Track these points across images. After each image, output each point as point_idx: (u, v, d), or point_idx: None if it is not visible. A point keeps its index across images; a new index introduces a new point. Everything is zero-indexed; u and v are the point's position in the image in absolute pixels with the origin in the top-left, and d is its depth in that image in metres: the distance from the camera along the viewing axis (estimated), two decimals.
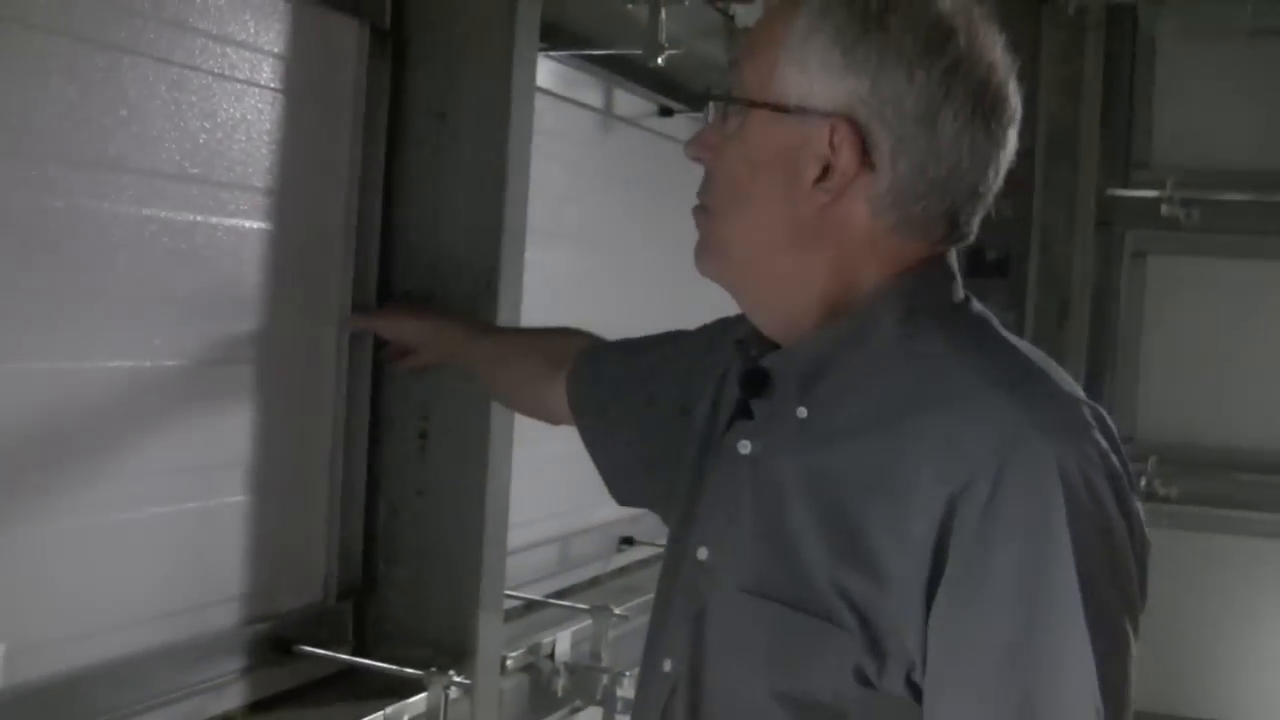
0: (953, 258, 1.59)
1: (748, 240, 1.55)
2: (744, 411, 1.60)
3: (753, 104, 1.52)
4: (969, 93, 1.48)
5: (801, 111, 1.49)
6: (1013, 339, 1.56)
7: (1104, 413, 1.47)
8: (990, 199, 1.56)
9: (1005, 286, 5.80)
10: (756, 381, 1.58)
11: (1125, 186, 6.40)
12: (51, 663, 1.88)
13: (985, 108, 1.50)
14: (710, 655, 1.55)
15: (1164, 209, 6.10)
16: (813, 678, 1.45)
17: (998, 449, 1.38)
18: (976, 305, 1.59)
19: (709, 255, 1.60)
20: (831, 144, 1.48)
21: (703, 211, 1.60)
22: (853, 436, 1.48)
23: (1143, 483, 6.02)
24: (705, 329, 1.93)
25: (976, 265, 5.85)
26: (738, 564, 1.54)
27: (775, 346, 1.60)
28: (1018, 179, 5.37)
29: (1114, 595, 1.40)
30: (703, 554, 1.59)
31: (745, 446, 1.58)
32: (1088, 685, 1.36)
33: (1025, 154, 5.33)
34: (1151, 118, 6.50)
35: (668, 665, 1.60)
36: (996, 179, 1.55)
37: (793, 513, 1.50)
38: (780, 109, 1.50)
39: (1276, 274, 6.31)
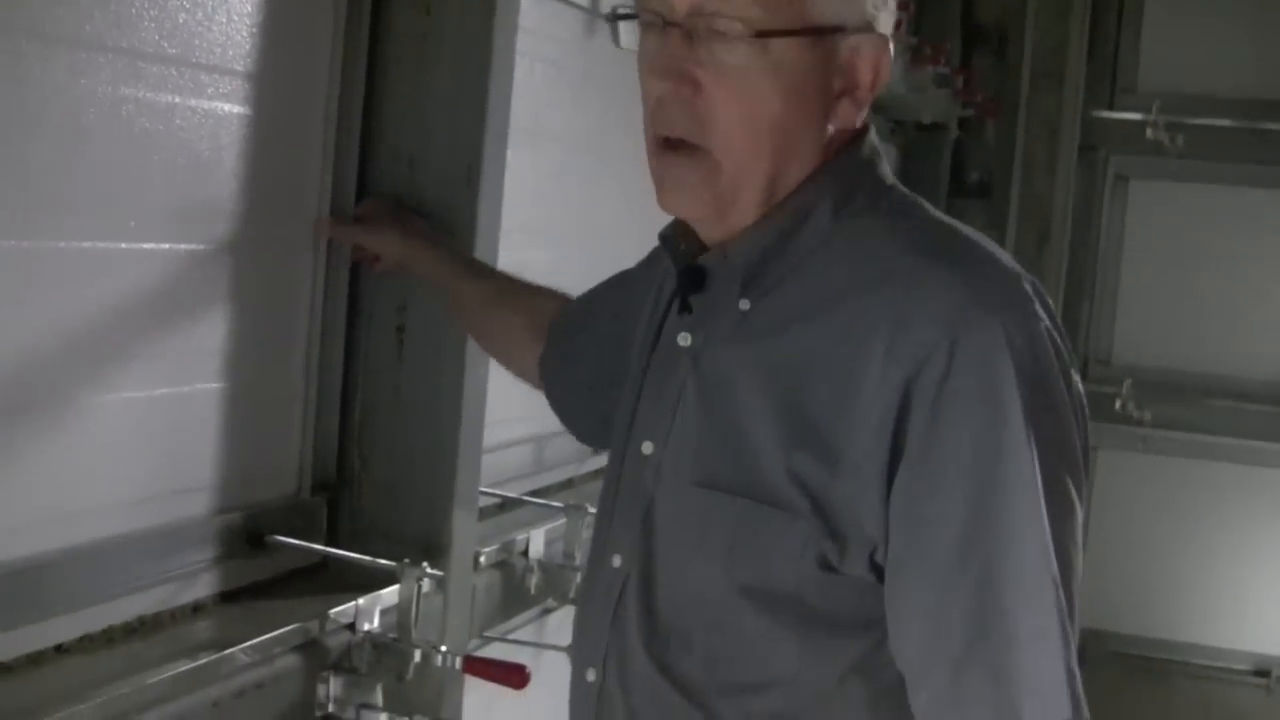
0: (873, 135, 1.60)
1: (766, 174, 1.50)
2: (683, 306, 1.60)
3: (795, 33, 1.46)
4: None
5: (838, 31, 1.47)
6: (945, 217, 1.58)
7: (1041, 286, 1.50)
8: None
9: (987, 208, 5.80)
10: (695, 277, 1.57)
11: (1110, 110, 6.39)
12: (20, 546, 1.87)
13: None
14: (662, 549, 1.55)
15: (1149, 133, 6.11)
16: (773, 566, 1.45)
17: (948, 328, 1.40)
18: (904, 190, 1.60)
19: (701, 196, 1.52)
20: (851, 57, 1.49)
21: (689, 152, 1.50)
22: (798, 323, 1.49)
23: (1117, 405, 6.05)
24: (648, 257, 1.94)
25: (958, 186, 5.84)
26: (685, 457, 1.54)
27: (699, 238, 1.60)
28: (999, 102, 5.35)
29: (1062, 462, 1.43)
30: (647, 448, 1.59)
31: (685, 339, 1.57)
32: (1044, 550, 1.39)
33: (1011, 75, 5.28)
34: (1139, 42, 6.49)
35: (617, 561, 1.59)
36: None
37: (742, 403, 1.50)
38: (818, 33, 1.46)
39: (1259, 202, 6.32)
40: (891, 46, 1.53)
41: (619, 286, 1.97)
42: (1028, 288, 1.47)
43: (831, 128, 1.52)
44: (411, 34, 2.38)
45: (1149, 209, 6.54)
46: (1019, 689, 1.39)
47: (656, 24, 1.48)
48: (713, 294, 1.55)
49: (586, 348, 1.99)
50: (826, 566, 1.44)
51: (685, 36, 1.45)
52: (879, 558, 1.44)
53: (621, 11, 1.55)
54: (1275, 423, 6.23)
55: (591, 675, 1.62)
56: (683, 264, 1.59)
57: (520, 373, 2.23)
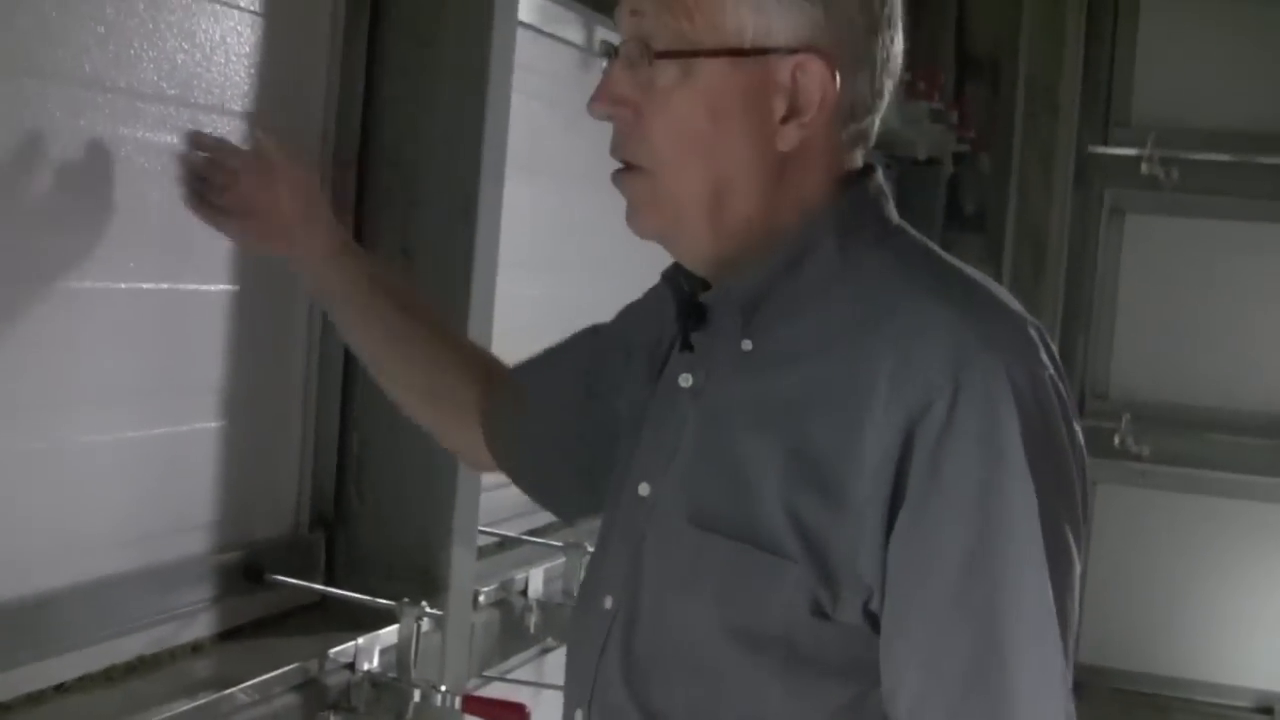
0: (880, 175, 1.59)
1: (706, 191, 1.49)
2: (685, 344, 1.58)
3: (707, 54, 1.45)
4: None
5: (762, 52, 1.46)
6: (952, 259, 1.56)
7: (1045, 332, 1.48)
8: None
9: (982, 241, 5.81)
10: (695, 314, 1.56)
11: (1105, 144, 6.41)
12: (17, 586, 1.86)
13: (896, 7, 1.53)
14: (648, 589, 1.53)
15: (1144, 167, 6.12)
16: (765, 611, 1.43)
17: (953, 371, 1.38)
18: (912, 231, 1.59)
19: (651, 215, 1.53)
20: (794, 77, 1.46)
21: (636, 172, 1.51)
22: (799, 361, 1.47)
23: (1115, 441, 6.05)
24: (630, 306, 1.93)
25: (953, 218, 5.86)
26: (681, 497, 1.52)
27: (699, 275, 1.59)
28: (993, 134, 5.36)
29: (1062, 512, 1.41)
30: (644, 489, 1.57)
31: (686, 380, 1.56)
32: (1043, 599, 1.37)
33: (1005, 107, 5.30)
34: (1133, 75, 6.51)
35: (608, 602, 1.57)
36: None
37: (742, 443, 1.48)
38: (740, 53, 1.45)
39: (1254, 236, 6.33)
40: (869, 71, 1.50)
41: (588, 339, 1.95)
42: (1032, 332, 1.45)
43: (782, 149, 1.50)
44: (408, 69, 2.40)
45: (1145, 243, 6.54)
46: None
47: (614, 54, 1.51)
48: (714, 331, 1.54)
49: (552, 404, 1.91)
50: (819, 613, 1.42)
51: (626, 62, 1.48)
52: (873, 605, 1.42)
53: (613, 46, 1.55)
54: (1275, 457, 6.22)
55: (579, 717, 1.60)
56: (685, 300, 1.58)
57: (443, 428, 2.05)
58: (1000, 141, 5.88)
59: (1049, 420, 1.41)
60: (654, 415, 1.61)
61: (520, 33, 2.52)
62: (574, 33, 3.15)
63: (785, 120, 1.47)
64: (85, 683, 1.96)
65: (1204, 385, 6.35)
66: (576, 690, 1.60)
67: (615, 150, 1.52)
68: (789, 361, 1.48)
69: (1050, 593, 1.38)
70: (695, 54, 1.45)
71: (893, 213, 1.56)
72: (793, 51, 1.45)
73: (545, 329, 3.10)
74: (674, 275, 1.61)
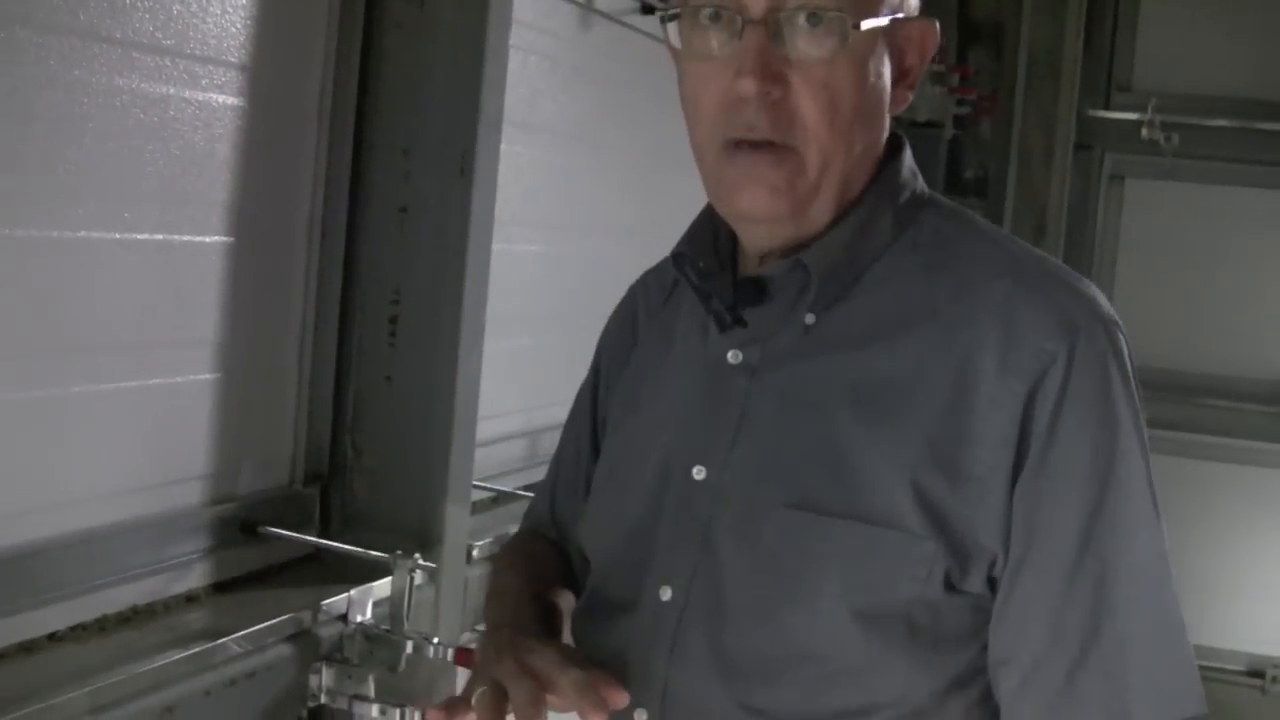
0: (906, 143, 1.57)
1: (848, 165, 1.45)
2: (733, 321, 1.50)
3: (889, 21, 1.44)
4: None
5: (903, 19, 1.46)
6: (987, 223, 1.56)
7: None
8: None
9: (982, 206, 5.80)
10: (747, 291, 1.50)
11: (1106, 109, 6.39)
12: (10, 535, 1.87)
13: None
14: (735, 579, 1.45)
15: (1144, 132, 6.10)
16: (894, 589, 1.39)
17: (1065, 337, 1.39)
18: (940, 197, 1.58)
19: (789, 196, 1.44)
20: (905, 40, 1.47)
21: (780, 152, 1.42)
22: (883, 337, 1.44)
23: None
24: (607, 331, 1.84)
25: (954, 183, 5.85)
26: (763, 479, 1.46)
27: (723, 253, 1.56)
28: (995, 98, 5.35)
29: (1151, 470, 1.44)
30: (699, 473, 1.50)
31: (736, 356, 1.50)
32: (1160, 552, 1.41)
33: (1007, 71, 5.29)
34: (1135, 40, 6.49)
35: (667, 594, 1.49)
36: None
37: (834, 422, 1.43)
38: (891, 21, 1.44)
39: (1254, 201, 6.32)
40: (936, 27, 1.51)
41: (581, 398, 1.87)
42: (1104, 296, 1.48)
43: (894, 114, 1.49)
44: (406, 25, 2.39)
45: (1145, 208, 6.54)
46: (1133, 692, 1.37)
47: (731, 21, 1.41)
48: (773, 307, 1.49)
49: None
50: (949, 586, 1.40)
51: (767, 33, 1.39)
52: (996, 571, 1.41)
53: (673, 12, 1.46)
54: (1273, 423, 6.23)
55: (643, 717, 1.51)
56: (710, 278, 1.52)
57: None
58: (1001, 105, 5.87)
59: (1136, 384, 1.44)
60: (695, 394, 1.55)
61: None
62: None
63: (895, 84, 1.48)
64: (78, 632, 1.97)
65: (1202, 351, 6.35)
66: (634, 688, 1.47)
67: (743, 129, 1.42)
68: (866, 338, 1.44)
69: (1164, 545, 1.41)
70: (861, 20, 1.40)
71: (920, 178, 1.56)
72: (915, 18, 1.48)
73: (541, 286, 3.12)
74: (691, 253, 1.55)
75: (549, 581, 1.73)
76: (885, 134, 1.51)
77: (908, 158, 1.55)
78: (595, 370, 1.81)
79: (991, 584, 1.41)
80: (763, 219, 1.47)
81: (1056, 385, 1.38)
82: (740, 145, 1.42)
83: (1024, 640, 1.39)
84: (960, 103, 5.56)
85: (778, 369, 1.48)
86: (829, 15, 1.38)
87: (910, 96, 1.49)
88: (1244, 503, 6.27)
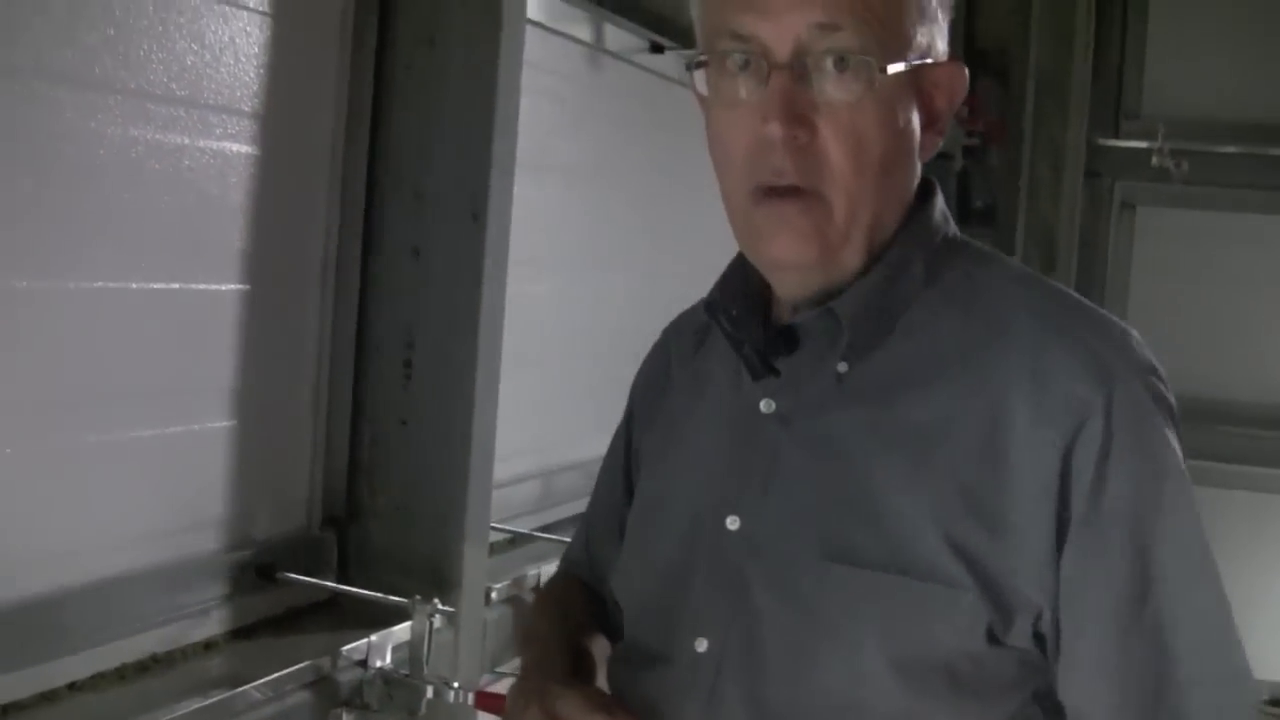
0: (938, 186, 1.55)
1: (877, 210, 1.43)
2: (765, 369, 1.49)
3: (914, 64, 1.41)
4: None
5: (927, 62, 1.43)
6: (1020, 265, 1.56)
7: None
8: None
9: (992, 236, 5.80)
10: (780, 339, 1.49)
11: (1115, 137, 6.40)
12: (30, 584, 1.88)
13: None
14: (773, 630, 1.44)
15: (1154, 160, 6.11)
16: (935, 641, 1.38)
17: (1101, 384, 1.36)
18: (971, 240, 1.56)
19: (816, 242, 1.42)
20: (932, 85, 1.45)
21: (806, 198, 1.41)
22: (916, 385, 1.42)
23: None
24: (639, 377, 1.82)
25: (964, 213, 5.85)
26: (799, 531, 1.44)
27: (755, 301, 1.54)
28: (1003, 127, 5.34)
29: (1199, 514, 1.42)
30: (732, 523, 1.48)
31: (769, 405, 1.48)
32: (1220, 598, 1.40)
33: (1014, 101, 5.28)
34: (1143, 68, 6.50)
35: (703, 645, 1.47)
36: None
37: (869, 472, 1.41)
38: (917, 64, 1.41)
39: (1265, 227, 6.32)
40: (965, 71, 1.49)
41: (614, 442, 1.85)
42: (1136, 338, 1.45)
43: (924, 159, 1.47)
44: (416, 68, 2.40)
45: (1156, 235, 6.54)
46: None
47: (758, 67, 1.40)
48: (805, 355, 1.48)
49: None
50: (992, 639, 1.38)
51: (793, 77, 1.38)
52: (1041, 625, 1.39)
53: (701, 59, 1.45)
54: None
55: None
56: (745, 327, 1.51)
57: None
58: (1010, 135, 5.88)
59: (1177, 421, 1.42)
60: (724, 443, 1.53)
61: (529, 31, 2.53)
62: (583, 30, 3.16)
63: (924, 130, 1.45)
64: (98, 681, 1.97)
65: (1217, 378, 6.34)
66: None
67: (772, 175, 1.41)
68: (899, 386, 1.43)
69: (1222, 589, 1.39)
70: (888, 62, 1.38)
71: (955, 225, 1.55)
72: (942, 61, 1.46)
73: (554, 325, 3.13)
74: (724, 301, 1.54)
75: (583, 626, 1.72)
76: (916, 179, 1.49)
77: (939, 203, 1.52)
78: (629, 414, 1.81)
79: (1038, 638, 1.39)
80: (792, 266, 1.46)
81: (1098, 437, 1.35)
82: (769, 192, 1.41)
83: (1093, 697, 1.38)
84: (970, 134, 5.57)
85: (811, 418, 1.46)
86: (855, 59, 1.37)
87: (940, 142, 1.47)
88: (1263, 530, 6.25)
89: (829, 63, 1.38)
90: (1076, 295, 1.50)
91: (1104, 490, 1.35)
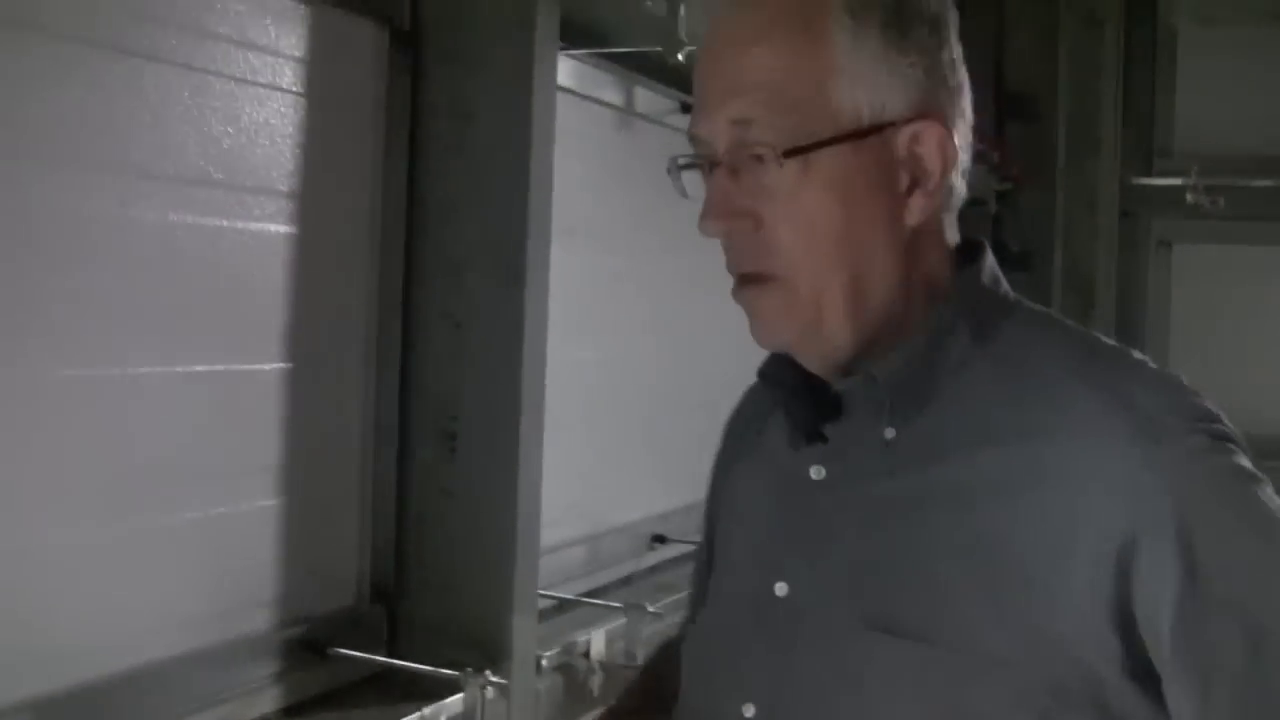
0: (988, 248, 1.50)
1: (848, 285, 1.40)
2: (813, 437, 1.47)
3: (831, 142, 1.36)
4: (955, 39, 1.44)
5: (881, 128, 1.37)
6: (1068, 321, 1.50)
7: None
8: None
9: (1027, 280, 5.77)
10: (829, 405, 1.46)
11: (1149, 175, 6.38)
12: (84, 669, 1.89)
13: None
14: (811, 699, 1.42)
15: (1189, 197, 6.07)
16: (975, 714, 1.33)
17: (1145, 441, 1.30)
18: (1027, 301, 1.51)
19: (787, 323, 1.41)
20: (911, 148, 1.39)
21: (765, 284, 1.41)
22: (961, 451, 1.38)
23: None
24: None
25: (1000, 258, 5.81)
26: (841, 599, 1.42)
27: (800, 368, 1.49)
28: (1035, 170, 5.30)
29: None
30: (780, 589, 1.46)
31: (819, 472, 1.46)
32: None
33: (1046, 144, 5.26)
34: (1174, 105, 6.48)
35: (750, 711, 1.45)
36: None
37: (916, 540, 1.38)
38: (858, 135, 1.36)
39: None
40: (961, 126, 1.41)
41: (706, 512, 1.79)
42: (1187, 382, 1.38)
43: (912, 223, 1.39)
44: (450, 142, 2.42)
45: (1194, 272, 6.52)
46: None
47: (705, 167, 1.40)
48: (851, 422, 1.45)
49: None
50: (1046, 713, 1.32)
51: (731, 172, 1.37)
52: (1110, 696, 1.32)
53: (683, 161, 1.44)
54: None
55: None
56: (799, 394, 1.49)
57: None
58: (1043, 178, 5.86)
59: (1256, 471, 1.33)
60: (769, 510, 1.52)
61: (559, 97, 2.54)
62: (612, 95, 3.17)
63: (909, 192, 1.40)
64: None
65: (1260, 413, 6.29)
66: None
67: (736, 265, 1.42)
68: (945, 453, 1.39)
69: None
70: (822, 145, 1.35)
71: (1007, 285, 1.50)
72: (908, 121, 1.38)
73: (594, 389, 3.13)
74: (775, 370, 1.52)
75: (666, 699, 1.73)
76: (901, 240, 1.42)
77: (988, 264, 1.47)
78: (711, 483, 1.81)
79: (1103, 710, 1.33)
80: (773, 348, 1.46)
81: (1167, 509, 1.28)
82: (740, 280, 1.42)
83: None
84: (1002, 178, 5.56)
85: (858, 484, 1.43)
86: (765, 151, 1.35)
87: (927, 204, 1.39)
88: None
89: (739, 156, 1.36)
90: (1126, 352, 1.44)
91: (1196, 566, 1.28)
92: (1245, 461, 1.32)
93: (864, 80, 1.36)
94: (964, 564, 1.34)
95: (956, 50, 1.43)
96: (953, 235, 1.46)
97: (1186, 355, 6.39)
